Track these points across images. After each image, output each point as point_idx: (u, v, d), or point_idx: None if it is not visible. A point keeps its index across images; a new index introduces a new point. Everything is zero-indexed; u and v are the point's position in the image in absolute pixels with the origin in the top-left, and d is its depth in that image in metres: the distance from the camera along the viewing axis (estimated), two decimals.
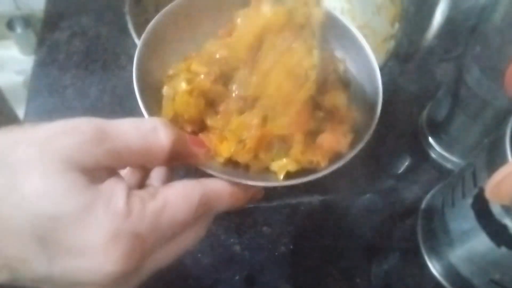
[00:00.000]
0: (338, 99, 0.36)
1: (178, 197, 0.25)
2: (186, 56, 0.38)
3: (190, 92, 0.35)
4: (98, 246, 0.21)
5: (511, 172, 0.24)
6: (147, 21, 0.49)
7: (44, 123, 0.23)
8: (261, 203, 0.52)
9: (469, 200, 0.35)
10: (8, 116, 0.69)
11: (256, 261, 0.48)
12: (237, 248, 0.49)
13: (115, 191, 0.23)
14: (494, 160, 0.32)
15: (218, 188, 0.28)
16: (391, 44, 0.49)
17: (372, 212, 0.51)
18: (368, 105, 0.37)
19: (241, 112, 0.34)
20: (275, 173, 0.34)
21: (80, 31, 0.64)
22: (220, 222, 0.51)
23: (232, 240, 0.49)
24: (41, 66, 0.61)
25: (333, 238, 0.50)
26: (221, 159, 0.33)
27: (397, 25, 0.50)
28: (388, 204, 0.51)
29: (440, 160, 0.53)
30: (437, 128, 0.52)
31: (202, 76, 0.35)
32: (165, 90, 0.36)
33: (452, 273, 0.40)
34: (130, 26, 0.46)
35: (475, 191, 0.34)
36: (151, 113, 0.33)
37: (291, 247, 0.49)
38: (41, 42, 0.63)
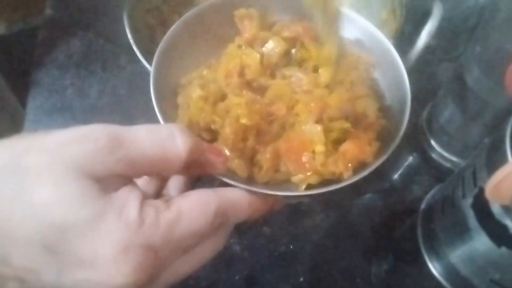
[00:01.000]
0: (368, 105, 0.35)
1: (193, 207, 0.24)
2: (205, 64, 0.38)
3: (204, 98, 0.35)
4: (109, 258, 0.21)
5: (511, 172, 0.24)
6: (146, 25, 0.52)
7: (56, 130, 0.23)
8: None
9: (469, 200, 0.34)
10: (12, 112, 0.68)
11: (256, 261, 0.48)
12: (237, 248, 0.48)
13: (128, 200, 0.22)
14: (494, 160, 0.31)
15: (236, 198, 0.27)
16: None
17: (372, 212, 0.51)
18: (395, 111, 0.36)
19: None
20: (295, 184, 0.33)
21: (80, 31, 0.64)
22: None
23: (232, 240, 0.49)
24: (41, 66, 0.61)
25: (333, 238, 0.49)
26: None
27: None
28: (388, 204, 0.51)
29: (440, 160, 0.53)
30: (437, 128, 0.52)
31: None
32: (179, 99, 0.36)
33: (452, 273, 0.40)
34: (128, 31, 0.46)
35: (475, 191, 0.34)
36: (167, 122, 0.32)
37: (291, 247, 0.49)
38: (41, 42, 0.63)
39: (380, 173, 0.53)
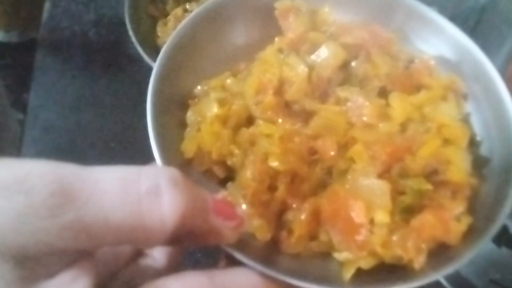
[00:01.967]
0: (460, 158, 0.25)
1: None
2: (231, 69, 0.29)
3: (223, 119, 0.26)
4: None
5: None
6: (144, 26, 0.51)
7: None
8: None
9: None
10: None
11: None
12: None
13: None
14: None
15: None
16: None
17: None
18: (494, 168, 0.27)
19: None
20: (338, 263, 0.24)
21: (80, 31, 0.63)
22: None
23: None
24: (41, 67, 0.59)
25: None
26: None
27: None
28: None
29: None
30: None
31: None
32: (189, 116, 0.27)
33: (452, 273, 0.35)
34: (129, 28, 0.46)
35: None
36: (166, 149, 0.24)
37: None
38: (41, 41, 0.62)
39: None
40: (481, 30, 0.40)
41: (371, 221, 0.23)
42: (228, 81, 0.27)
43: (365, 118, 0.26)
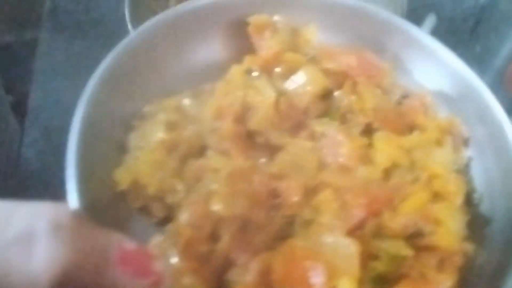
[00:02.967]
0: (452, 219, 0.21)
1: None
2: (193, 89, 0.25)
3: (169, 147, 0.22)
4: None
5: None
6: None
7: None
8: None
9: None
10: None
11: None
12: None
13: None
14: None
15: None
16: None
17: None
18: (495, 231, 0.23)
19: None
20: None
21: (80, 31, 0.60)
22: None
23: None
24: (41, 67, 0.58)
25: None
26: None
27: None
28: None
29: None
30: None
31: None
32: (132, 139, 0.23)
33: None
34: (130, 27, 0.43)
35: None
36: (92, 178, 0.20)
37: None
38: (41, 41, 0.60)
39: None
40: (481, 30, 0.40)
41: None
42: (185, 101, 0.24)
43: (341, 159, 0.23)
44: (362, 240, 0.20)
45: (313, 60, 0.26)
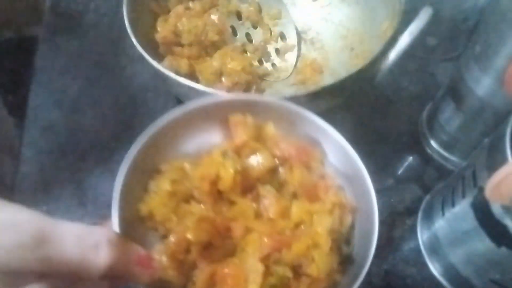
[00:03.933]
0: (323, 261, 0.32)
1: None
2: (194, 156, 0.36)
3: (171, 195, 0.34)
4: None
5: (511, 172, 0.24)
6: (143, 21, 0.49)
7: None
8: None
9: (469, 200, 0.34)
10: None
11: None
12: None
13: None
14: (494, 160, 0.31)
15: None
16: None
17: None
18: (356, 264, 0.33)
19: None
20: None
21: (80, 31, 0.62)
22: None
23: None
24: (41, 67, 0.59)
25: None
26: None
27: None
28: (388, 204, 0.50)
29: (440, 160, 0.53)
30: (437, 128, 0.51)
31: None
32: (151, 185, 0.35)
33: (452, 273, 0.40)
34: (128, 26, 0.45)
35: (475, 191, 0.34)
36: (128, 206, 0.31)
37: None
38: (41, 41, 0.61)
39: (380, 173, 0.52)
40: (481, 30, 0.39)
41: None
42: (186, 165, 0.35)
43: (270, 214, 0.34)
44: (266, 264, 0.31)
45: (266, 147, 0.36)
